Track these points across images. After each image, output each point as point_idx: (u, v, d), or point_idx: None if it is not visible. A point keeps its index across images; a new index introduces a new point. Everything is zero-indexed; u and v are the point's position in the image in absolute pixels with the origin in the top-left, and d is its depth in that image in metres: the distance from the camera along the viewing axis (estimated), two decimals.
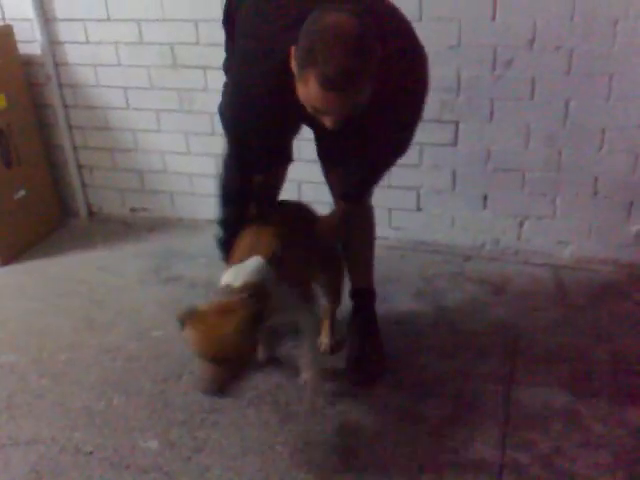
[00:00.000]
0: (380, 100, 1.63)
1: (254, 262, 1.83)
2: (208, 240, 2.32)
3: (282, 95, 1.67)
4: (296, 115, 1.78)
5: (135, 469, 1.88)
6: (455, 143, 2.78)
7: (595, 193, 2.70)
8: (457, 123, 2.74)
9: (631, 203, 2.67)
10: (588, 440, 1.89)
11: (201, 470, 1.87)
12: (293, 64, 1.58)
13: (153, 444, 1.97)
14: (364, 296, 2.33)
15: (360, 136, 1.82)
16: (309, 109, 1.62)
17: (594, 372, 2.16)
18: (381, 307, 2.54)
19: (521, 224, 2.84)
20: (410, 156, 2.82)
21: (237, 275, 1.80)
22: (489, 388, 2.12)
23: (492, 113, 2.68)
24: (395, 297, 2.63)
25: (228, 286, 1.78)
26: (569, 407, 2.02)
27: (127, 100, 3.19)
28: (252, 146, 1.89)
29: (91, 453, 1.94)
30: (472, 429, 1.96)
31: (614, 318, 2.43)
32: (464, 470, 1.82)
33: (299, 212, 2.22)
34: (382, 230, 3.03)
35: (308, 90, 1.54)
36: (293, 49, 1.57)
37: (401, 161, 2.83)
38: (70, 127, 3.33)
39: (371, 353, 2.22)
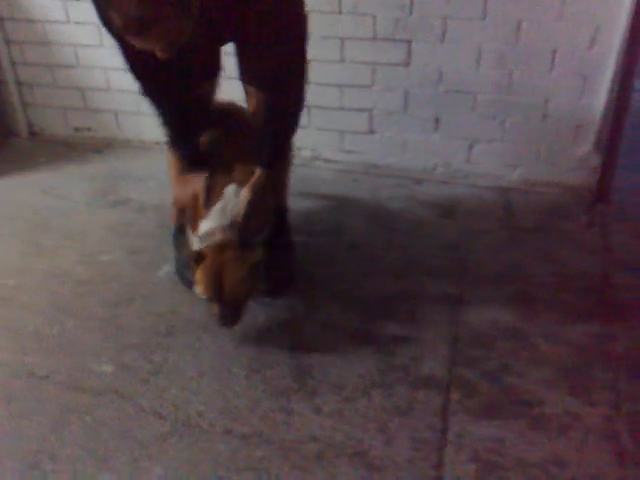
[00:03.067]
0: None
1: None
2: (156, 162, 2.29)
3: None
4: None
5: (91, 392, 1.88)
6: (408, 63, 2.75)
7: (544, 116, 2.73)
8: (410, 42, 2.70)
9: (578, 126, 2.71)
10: (534, 357, 1.97)
11: (158, 391, 1.88)
12: None
13: (108, 367, 1.97)
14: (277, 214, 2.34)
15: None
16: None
17: (539, 292, 2.24)
18: (335, 230, 2.56)
19: (471, 147, 2.87)
20: (362, 76, 2.82)
21: None
22: (438, 308, 2.18)
23: (444, 33, 2.65)
24: (348, 221, 2.65)
25: None
26: (516, 326, 2.09)
27: (67, 13, 3.02)
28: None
29: (45, 377, 1.93)
30: (421, 348, 2.01)
31: (559, 239, 2.51)
32: (413, 387, 1.88)
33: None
34: (334, 154, 3.04)
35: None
36: None
37: (353, 81, 2.83)
38: (7, 42, 3.15)
39: (279, 263, 2.26)
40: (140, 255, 2.46)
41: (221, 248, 1.92)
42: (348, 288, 2.27)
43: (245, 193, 2.00)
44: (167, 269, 2.37)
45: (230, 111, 2.27)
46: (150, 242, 2.52)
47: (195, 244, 1.99)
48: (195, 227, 2.03)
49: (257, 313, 2.16)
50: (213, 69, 2.12)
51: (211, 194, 2.01)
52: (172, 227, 2.43)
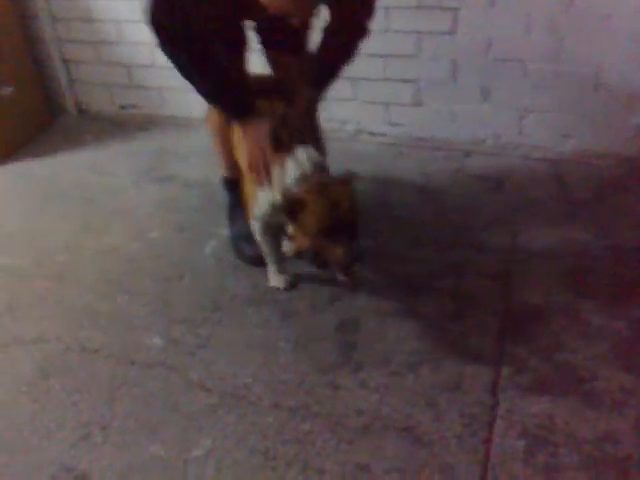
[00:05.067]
0: None
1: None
2: (201, 138, 2.29)
3: None
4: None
5: (141, 365, 1.91)
6: (455, 31, 2.67)
7: (597, 85, 2.62)
8: (457, 10, 2.62)
9: (632, 95, 2.60)
10: (587, 333, 1.92)
11: (205, 364, 1.90)
12: None
13: (157, 341, 1.99)
14: None
15: None
16: (274, 10, 1.64)
17: (594, 267, 2.18)
18: (381, 204, 2.53)
19: (522, 118, 2.78)
20: (407, 46, 2.75)
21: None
22: (488, 283, 2.13)
23: None
24: (395, 194, 2.61)
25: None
26: (569, 301, 2.04)
27: None
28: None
29: (97, 351, 1.97)
30: (471, 323, 1.98)
31: (614, 212, 2.42)
32: (463, 362, 1.85)
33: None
34: (379, 126, 2.99)
35: None
36: None
37: (398, 52, 2.77)
38: (53, 19, 3.18)
39: None
40: (187, 232, 2.48)
41: (321, 185, 1.81)
42: (395, 263, 2.24)
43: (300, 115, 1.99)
44: (214, 245, 2.38)
45: (265, 80, 2.24)
46: (196, 218, 2.54)
47: (283, 194, 1.86)
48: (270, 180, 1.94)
49: (303, 288, 2.16)
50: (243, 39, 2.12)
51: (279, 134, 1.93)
52: (220, 204, 2.45)
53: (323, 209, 1.77)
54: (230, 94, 1.96)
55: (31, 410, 1.80)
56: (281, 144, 1.89)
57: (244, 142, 1.97)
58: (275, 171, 1.89)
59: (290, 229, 1.91)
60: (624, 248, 2.24)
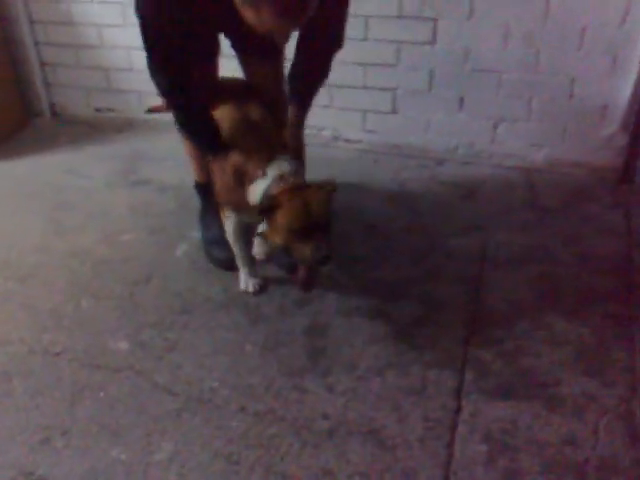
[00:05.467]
0: None
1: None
2: (177, 142, 2.28)
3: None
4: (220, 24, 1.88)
5: (106, 369, 1.89)
6: (433, 41, 2.70)
7: (570, 95, 2.65)
8: (436, 20, 2.65)
9: (605, 106, 2.63)
10: (551, 338, 1.94)
11: (173, 368, 1.89)
12: None
13: (124, 345, 1.98)
14: None
15: None
16: (260, 30, 1.62)
17: (560, 273, 2.20)
18: (355, 210, 2.53)
19: (495, 127, 2.81)
20: (387, 55, 2.77)
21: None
22: (457, 289, 2.14)
23: (472, 10, 2.59)
24: (367, 201, 2.62)
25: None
26: (534, 306, 2.06)
27: None
28: (177, 42, 1.85)
29: (60, 354, 1.95)
30: (438, 329, 1.99)
31: (583, 220, 2.45)
32: (428, 366, 1.86)
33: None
34: (356, 133, 3.00)
35: (261, 18, 1.56)
36: None
37: (378, 60, 2.78)
38: (31, 21, 3.17)
39: None
40: (159, 234, 2.47)
41: (297, 188, 1.85)
42: (366, 269, 2.25)
43: (289, 131, 2.03)
44: (185, 248, 2.38)
45: (237, 84, 2.26)
46: (169, 222, 2.53)
47: (262, 195, 1.91)
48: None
49: (273, 292, 2.16)
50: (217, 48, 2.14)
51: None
52: (194, 207, 2.45)
53: (296, 210, 1.80)
54: (201, 131, 1.99)
55: None
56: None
57: (214, 172, 2.01)
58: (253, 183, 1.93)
59: (263, 228, 1.93)
60: (590, 255, 2.27)
